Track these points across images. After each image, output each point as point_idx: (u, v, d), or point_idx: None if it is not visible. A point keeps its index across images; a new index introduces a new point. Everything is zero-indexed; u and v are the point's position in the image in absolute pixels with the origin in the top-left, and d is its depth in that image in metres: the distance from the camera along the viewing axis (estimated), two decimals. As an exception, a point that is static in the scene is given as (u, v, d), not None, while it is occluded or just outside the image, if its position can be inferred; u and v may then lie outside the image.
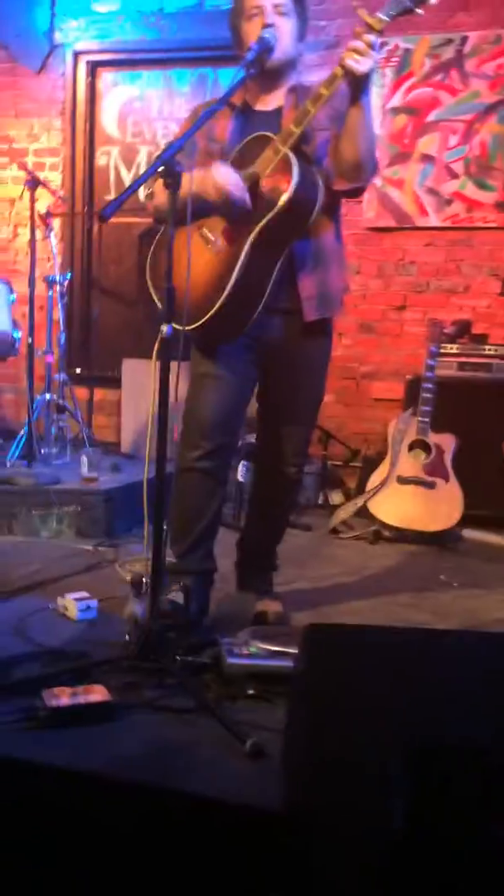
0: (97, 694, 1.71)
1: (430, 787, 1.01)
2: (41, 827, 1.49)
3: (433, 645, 1.22)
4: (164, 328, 1.88)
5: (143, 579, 2.04)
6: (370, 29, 1.90)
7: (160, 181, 1.87)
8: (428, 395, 3.47)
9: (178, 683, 1.81)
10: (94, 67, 4.81)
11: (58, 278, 3.89)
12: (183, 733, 1.67)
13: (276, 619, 2.29)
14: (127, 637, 1.94)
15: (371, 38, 1.89)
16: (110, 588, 2.54)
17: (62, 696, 1.68)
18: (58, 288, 3.90)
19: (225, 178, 2.01)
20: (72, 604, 2.26)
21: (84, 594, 2.30)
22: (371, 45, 1.89)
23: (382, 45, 4.22)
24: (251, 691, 1.82)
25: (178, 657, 1.87)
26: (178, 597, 2.12)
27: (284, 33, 2.10)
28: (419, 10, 1.96)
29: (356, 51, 1.89)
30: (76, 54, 4.77)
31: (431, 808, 0.98)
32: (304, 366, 2.25)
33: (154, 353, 1.89)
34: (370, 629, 1.63)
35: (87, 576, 2.73)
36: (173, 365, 1.88)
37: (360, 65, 1.90)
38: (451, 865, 0.94)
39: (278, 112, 2.16)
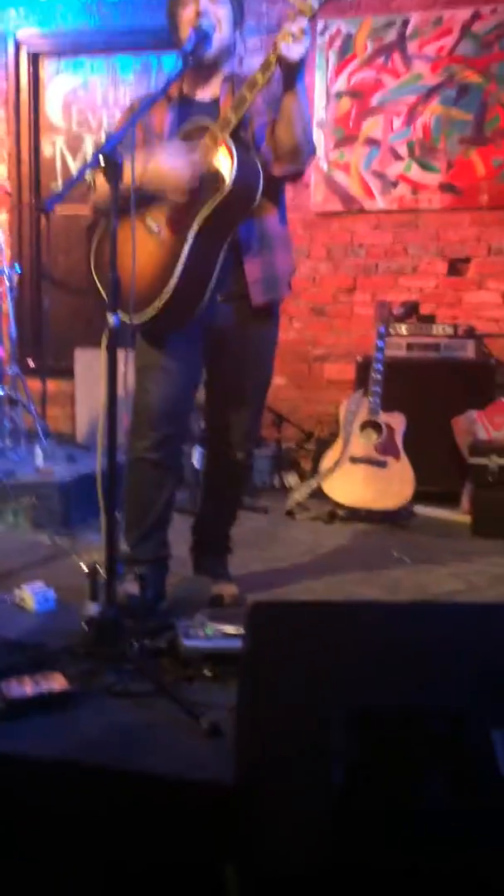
0: (56, 682, 1.74)
1: (368, 748, 1.07)
2: (6, 815, 1.53)
3: (372, 616, 1.28)
4: (111, 318, 1.90)
5: (99, 568, 2.07)
6: (301, 14, 1.94)
7: (101, 174, 1.89)
8: (377, 376, 3.53)
9: (135, 668, 1.85)
10: (35, 57, 4.74)
11: (6, 271, 3.86)
12: (141, 716, 1.71)
13: (232, 602, 2.34)
14: (83, 626, 1.98)
15: (302, 22, 1.93)
16: (68, 578, 2.55)
17: (21, 687, 1.71)
18: (6, 281, 3.87)
19: (172, 161, 2.03)
20: (29, 595, 2.28)
21: (41, 585, 2.33)
22: (303, 31, 1.92)
23: (323, 30, 4.25)
24: (207, 672, 1.88)
25: (134, 642, 1.91)
26: (132, 586, 2.16)
27: (221, 20, 2.12)
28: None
29: (288, 35, 1.92)
30: (17, 43, 4.70)
31: (370, 770, 1.04)
32: (252, 350, 2.28)
33: (102, 343, 1.91)
34: (311, 605, 1.69)
35: (44, 567, 2.75)
36: (122, 355, 1.90)
37: (292, 51, 1.93)
38: (389, 822, 1.00)
39: (215, 102, 2.18)
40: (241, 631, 1.91)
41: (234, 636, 1.92)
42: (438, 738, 1.11)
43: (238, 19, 2.19)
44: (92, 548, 2.90)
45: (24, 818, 1.53)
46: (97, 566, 2.06)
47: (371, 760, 1.06)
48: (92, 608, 1.99)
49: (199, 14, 2.09)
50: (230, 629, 1.96)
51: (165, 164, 2.04)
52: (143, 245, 2.07)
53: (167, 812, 1.48)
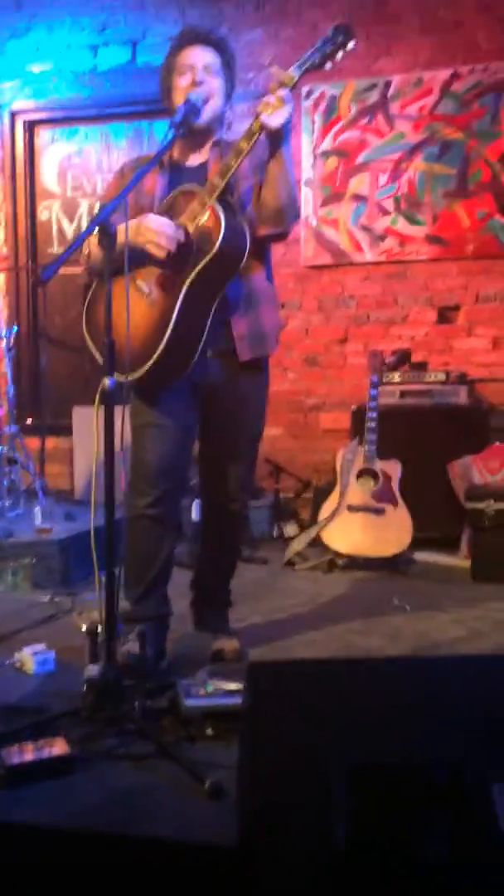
0: (57, 747, 1.73)
1: (369, 806, 1.06)
2: (6, 884, 1.50)
3: (371, 672, 1.29)
4: (107, 381, 1.94)
5: (99, 629, 2.07)
6: (282, 84, 2.03)
7: (95, 240, 1.95)
8: (372, 424, 3.57)
9: (137, 730, 1.84)
10: (31, 126, 4.92)
11: (3, 332, 3.94)
12: (143, 779, 1.70)
13: (234, 657, 2.33)
14: (84, 688, 1.97)
15: (283, 93, 2.02)
16: (68, 638, 2.55)
17: (22, 753, 1.70)
18: (3, 342, 3.94)
19: (158, 223, 2.09)
20: (28, 658, 2.27)
21: (41, 647, 2.32)
22: (283, 100, 2.01)
23: (308, 94, 4.41)
24: (210, 731, 1.86)
25: (135, 704, 1.90)
26: (133, 646, 2.16)
27: (213, 92, 2.21)
28: (328, 66, 2.10)
29: (270, 105, 2.01)
30: (13, 114, 4.87)
31: (371, 826, 1.04)
32: (243, 404, 2.32)
33: (95, 403, 1.95)
34: (310, 662, 1.69)
35: (44, 627, 2.75)
36: (118, 411, 1.93)
37: (273, 119, 2.02)
38: (390, 882, 1.00)
39: (204, 166, 2.26)
40: (243, 687, 1.92)
41: (236, 692, 1.91)
42: (438, 792, 1.11)
43: (230, 91, 2.29)
44: (92, 607, 2.90)
45: (25, 887, 1.50)
46: (97, 626, 2.06)
47: (372, 816, 1.06)
48: (92, 669, 1.98)
49: (194, 83, 2.18)
50: (232, 686, 1.95)
51: (152, 224, 2.10)
52: (135, 306, 2.13)
53: (170, 876, 1.46)
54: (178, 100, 2.19)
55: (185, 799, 1.61)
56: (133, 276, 2.16)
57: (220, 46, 2.25)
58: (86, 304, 2.29)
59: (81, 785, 1.67)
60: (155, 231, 2.08)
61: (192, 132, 2.21)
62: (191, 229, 2.11)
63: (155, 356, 2.10)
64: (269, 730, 1.21)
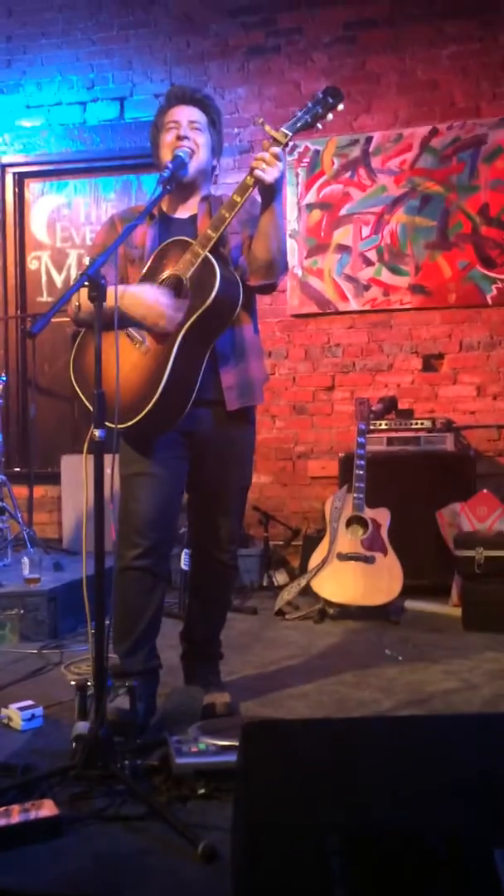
0: (45, 809, 1.68)
1: (368, 875, 1.04)
2: None
3: (365, 732, 1.27)
4: (97, 433, 1.94)
5: (88, 683, 2.04)
6: (276, 142, 2.09)
7: (85, 294, 1.97)
8: (360, 472, 3.59)
9: (127, 789, 1.79)
10: (21, 178, 5.01)
11: (-8, 381, 3.95)
12: (133, 842, 1.65)
13: (225, 711, 2.29)
14: (73, 746, 1.93)
15: (276, 150, 2.08)
16: (57, 692, 2.51)
17: (9, 815, 1.65)
18: (-7, 390, 3.95)
19: (152, 300, 2.12)
20: (16, 714, 2.23)
21: (29, 703, 2.28)
22: (276, 157, 2.07)
23: (293, 149, 4.53)
24: (202, 790, 1.82)
25: (126, 762, 1.86)
26: (123, 702, 2.12)
27: (199, 146, 2.27)
28: (319, 126, 2.17)
29: (263, 161, 2.06)
30: (3, 167, 4.97)
31: (370, 893, 1.01)
32: (231, 454, 2.32)
33: (84, 453, 1.94)
34: (305, 723, 1.67)
35: (32, 681, 2.69)
36: (108, 460, 1.93)
37: (267, 174, 2.08)
38: None
39: (193, 219, 2.31)
40: (236, 743, 1.88)
41: (228, 749, 1.88)
42: (439, 859, 1.09)
43: (217, 146, 2.35)
44: (81, 659, 2.86)
45: None
46: (86, 682, 2.03)
47: (371, 885, 1.03)
48: (81, 726, 1.94)
49: (179, 139, 2.24)
50: (224, 742, 1.92)
51: (148, 300, 2.13)
52: (127, 354, 2.15)
53: None
54: (166, 156, 2.25)
55: (178, 863, 1.57)
56: (125, 326, 2.18)
57: (204, 104, 2.32)
58: (73, 353, 2.30)
59: (70, 848, 1.63)
60: (149, 307, 2.11)
61: (180, 186, 2.27)
62: (185, 280, 2.14)
63: (149, 405, 2.11)
64: (263, 792, 1.19)
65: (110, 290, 1.97)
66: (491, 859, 1.03)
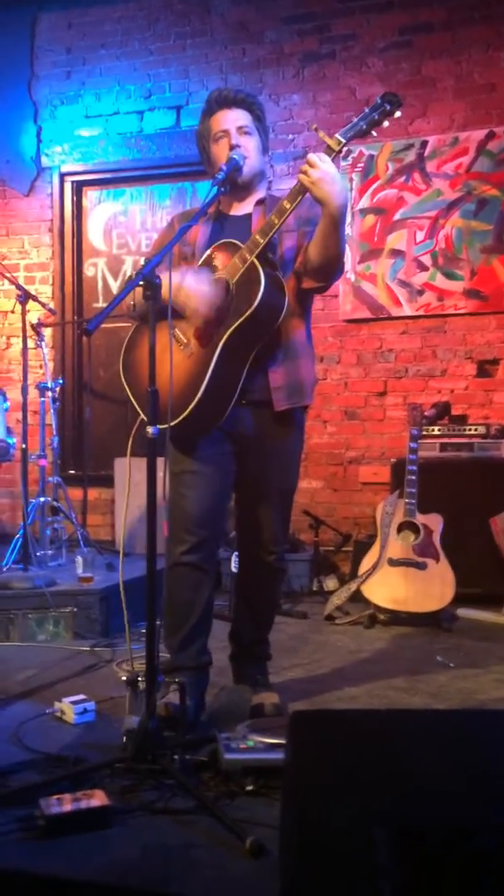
0: (96, 799, 1.70)
1: (417, 870, 1.03)
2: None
3: (416, 725, 1.26)
4: (150, 430, 1.98)
5: (139, 679, 2.06)
6: (329, 149, 2.10)
7: (140, 294, 2.01)
8: (412, 478, 3.55)
9: (176, 783, 1.81)
10: (79, 187, 5.13)
11: (50, 384, 4.04)
12: (182, 835, 1.66)
13: (273, 711, 2.29)
14: (124, 739, 1.95)
15: (311, 156, 2.08)
16: (108, 688, 2.54)
17: (60, 804, 1.68)
18: (50, 394, 4.04)
19: (195, 286, 2.15)
20: (69, 708, 2.26)
21: (81, 697, 2.31)
22: (311, 163, 2.07)
23: (347, 154, 4.53)
24: (250, 787, 1.82)
25: (175, 756, 1.88)
26: (173, 697, 2.13)
27: (250, 151, 2.29)
28: (374, 133, 2.16)
29: (310, 165, 2.07)
30: (62, 176, 5.09)
31: (418, 892, 1.00)
32: (277, 456, 2.32)
33: (128, 449, 1.98)
34: (354, 713, 1.66)
35: (84, 677, 2.74)
36: (160, 462, 1.96)
37: (314, 183, 2.07)
38: None
39: (248, 217, 2.33)
40: (284, 741, 1.88)
41: (277, 747, 1.88)
42: (489, 855, 1.07)
43: (265, 144, 2.37)
44: (133, 657, 2.89)
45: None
46: (136, 678, 2.05)
47: (419, 880, 1.02)
48: (132, 720, 1.96)
49: (231, 147, 2.27)
50: (272, 740, 1.92)
51: (192, 287, 2.16)
52: (173, 356, 2.17)
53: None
54: (217, 163, 2.28)
55: (225, 856, 1.57)
56: (172, 327, 2.21)
57: (248, 104, 2.32)
58: (124, 348, 2.35)
59: (119, 838, 1.65)
60: (191, 294, 2.13)
61: (235, 187, 2.29)
62: (231, 284, 2.16)
63: (190, 407, 2.14)
64: (312, 786, 1.19)
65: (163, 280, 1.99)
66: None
